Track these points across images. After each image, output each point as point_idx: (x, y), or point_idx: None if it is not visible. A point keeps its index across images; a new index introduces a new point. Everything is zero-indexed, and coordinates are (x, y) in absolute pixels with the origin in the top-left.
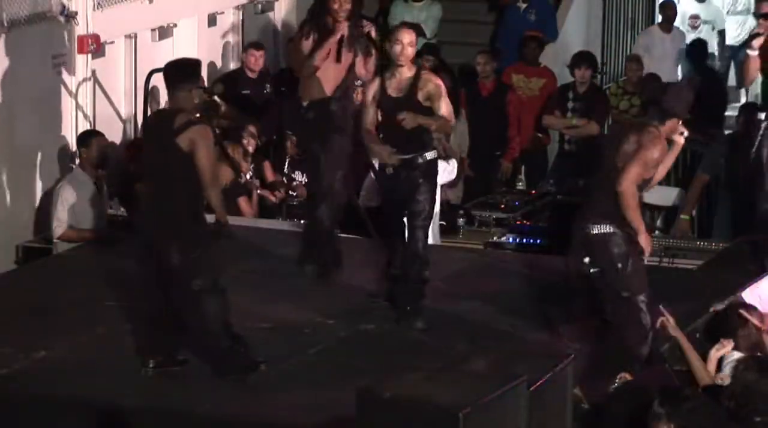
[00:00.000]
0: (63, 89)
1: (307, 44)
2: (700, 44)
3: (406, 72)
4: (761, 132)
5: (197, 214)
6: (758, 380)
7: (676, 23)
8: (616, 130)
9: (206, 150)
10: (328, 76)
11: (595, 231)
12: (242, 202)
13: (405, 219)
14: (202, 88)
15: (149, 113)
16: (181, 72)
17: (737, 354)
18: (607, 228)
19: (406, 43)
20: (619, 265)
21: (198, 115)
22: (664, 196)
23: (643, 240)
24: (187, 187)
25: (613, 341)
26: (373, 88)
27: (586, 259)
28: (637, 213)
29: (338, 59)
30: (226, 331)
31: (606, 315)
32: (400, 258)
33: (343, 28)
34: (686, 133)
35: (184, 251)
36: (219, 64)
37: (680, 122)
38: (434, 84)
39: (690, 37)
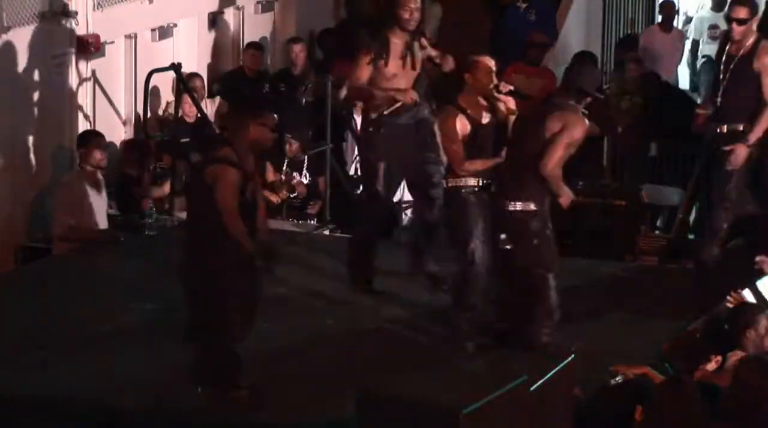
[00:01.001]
0: (63, 89)
1: (370, 63)
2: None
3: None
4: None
5: (221, 239)
6: (760, 380)
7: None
8: (536, 112)
9: (223, 191)
10: (404, 85)
11: (517, 209)
12: None
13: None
14: (271, 129)
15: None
16: (244, 101)
17: (739, 354)
18: (529, 207)
19: (495, 70)
20: (536, 241)
21: (249, 149)
22: (664, 196)
23: (566, 196)
24: (209, 217)
25: (524, 319)
26: (458, 126)
27: (503, 236)
28: (562, 185)
29: (413, 67)
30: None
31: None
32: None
33: (407, 36)
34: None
35: (215, 265)
36: (219, 64)
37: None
38: (510, 100)
39: (708, 47)
